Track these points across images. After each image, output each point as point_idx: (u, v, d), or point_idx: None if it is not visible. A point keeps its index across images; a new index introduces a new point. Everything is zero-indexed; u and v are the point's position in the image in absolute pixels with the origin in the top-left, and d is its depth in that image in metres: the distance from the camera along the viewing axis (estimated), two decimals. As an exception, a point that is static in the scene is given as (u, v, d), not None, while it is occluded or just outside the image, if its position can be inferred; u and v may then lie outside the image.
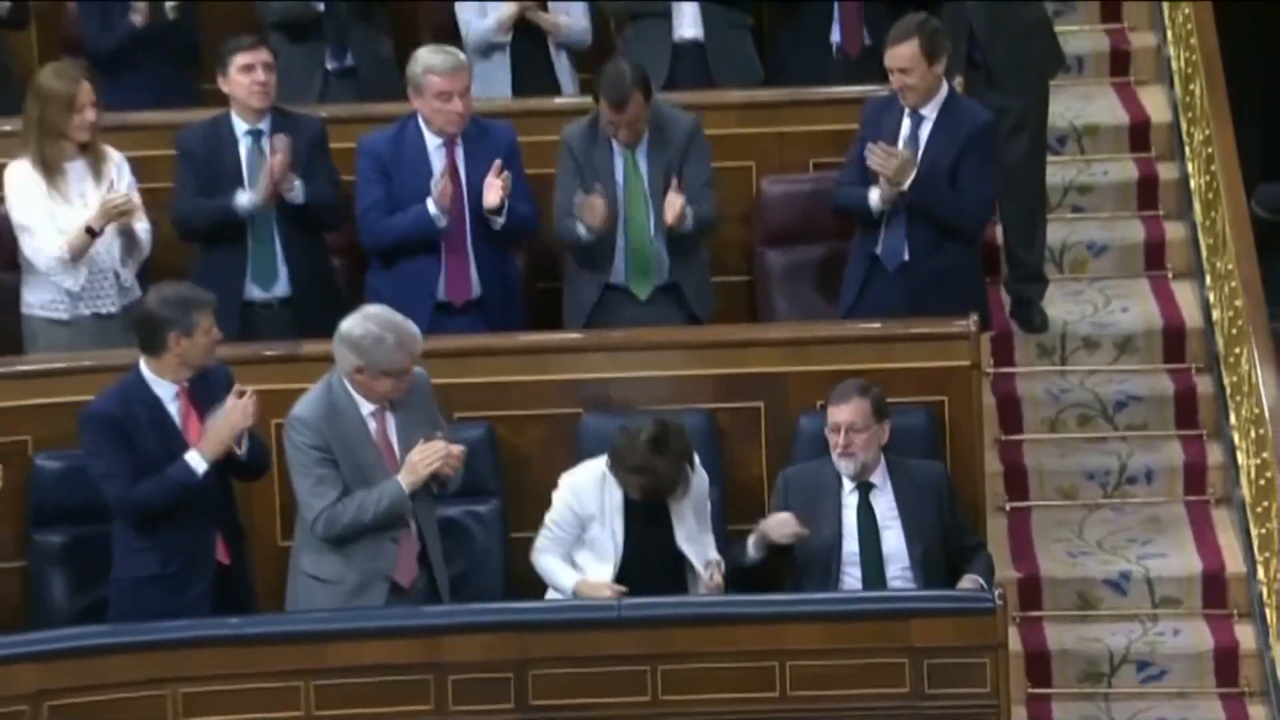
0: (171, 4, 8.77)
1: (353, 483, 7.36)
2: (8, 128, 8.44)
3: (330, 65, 8.99)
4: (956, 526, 7.67)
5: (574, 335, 8.27)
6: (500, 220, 8.17)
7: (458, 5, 8.98)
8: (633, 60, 8.17)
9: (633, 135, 8.14)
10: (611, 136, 8.18)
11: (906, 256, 8.18)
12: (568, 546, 7.54)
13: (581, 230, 8.15)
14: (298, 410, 7.40)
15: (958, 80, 8.61)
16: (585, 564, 7.54)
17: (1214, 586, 8.45)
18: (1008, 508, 8.72)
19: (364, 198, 8.24)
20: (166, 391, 7.40)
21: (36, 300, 8.18)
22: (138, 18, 8.75)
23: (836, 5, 9.05)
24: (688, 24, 9.05)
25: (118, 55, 8.72)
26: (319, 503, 7.36)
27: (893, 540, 7.59)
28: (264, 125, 8.26)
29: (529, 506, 7.92)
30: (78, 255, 8.05)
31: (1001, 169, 8.66)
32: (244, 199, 8.17)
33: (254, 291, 8.25)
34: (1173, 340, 9.17)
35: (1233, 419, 8.67)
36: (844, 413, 7.52)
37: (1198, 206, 9.31)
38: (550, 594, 7.58)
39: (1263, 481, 8.16)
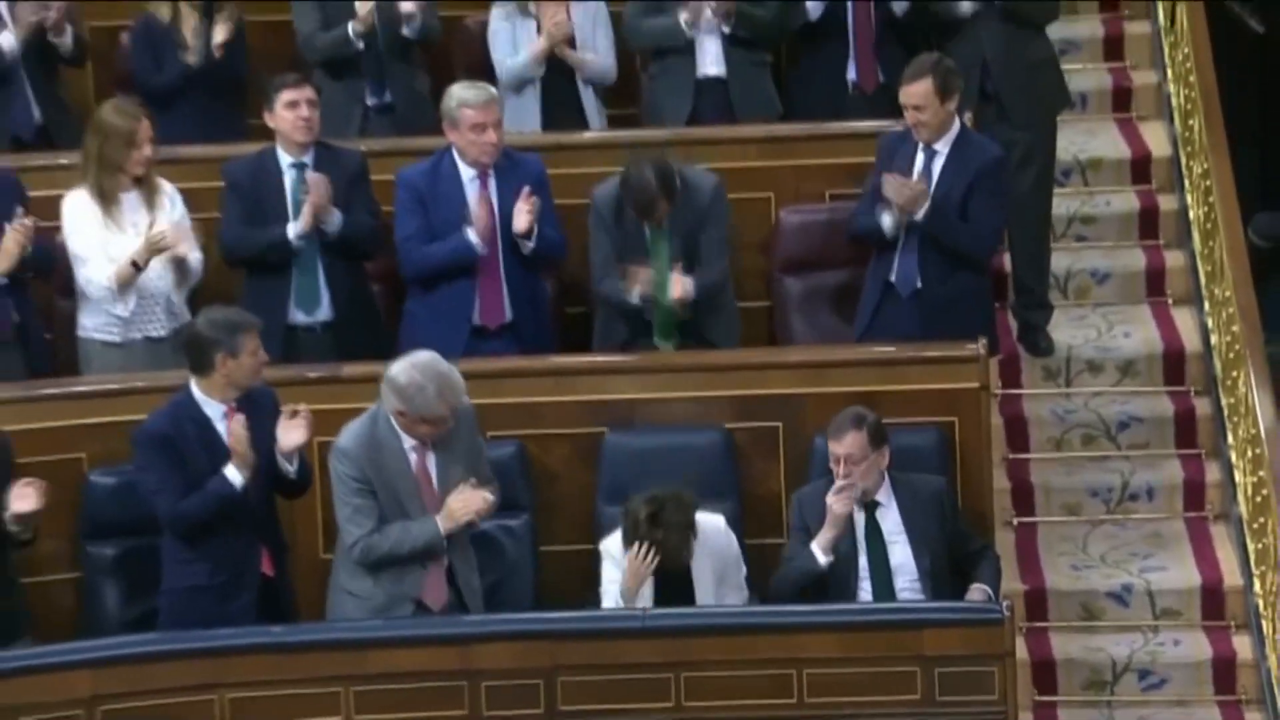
0: (218, 42, 8.80)
1: (390, 512, 7.41)
2: (64, 160, 8.49)
3: (370, 101, 9.00)
4: (960, 535, 7.68)
5: (601, 358, 8.28)
6: (530, 244, 8.20)
7: (491, 43, 8.99)
8: (655, 164, 8.11)
9: (658, 223, 8.18)
10: None
11: (919, 284, 8.19)
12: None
13: (634, 298, 8.18)
14: (341, 440, 7.45)
15: (967, 116, 8.63)
16: None
17: (1212, 599, 8.44)
18: (1015, 523, 8.72)
19: (403, 227, 8.27)
20: (215, 411, 7.44)
21: (91, 323, 8.22)
22: (190, 57, 8.79)
23: (852, 44, 9.05)
24: (710, 61, 9.06)
25: (169, 92, 8.74)
26: (356, 530, 7.42)
27: (900, 554, 7.60)
28: (307, 158, 8.30)
29: (558, 521, 7.96)
30: (124, 286, 8.09)
31: (1011, 200, 8.71)
32: (293, 230, 8.21)
33: (297, 316, 8.28)
34: (1173, 364, 9.17)
35: (1230, 439, 8.66)
36: (842, 445, 7.52)
37: (1196, 236, 9.31)
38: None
39: (1259, 499, 8.15)
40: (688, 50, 9.03)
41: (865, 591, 7.59)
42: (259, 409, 7.46)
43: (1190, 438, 8.96)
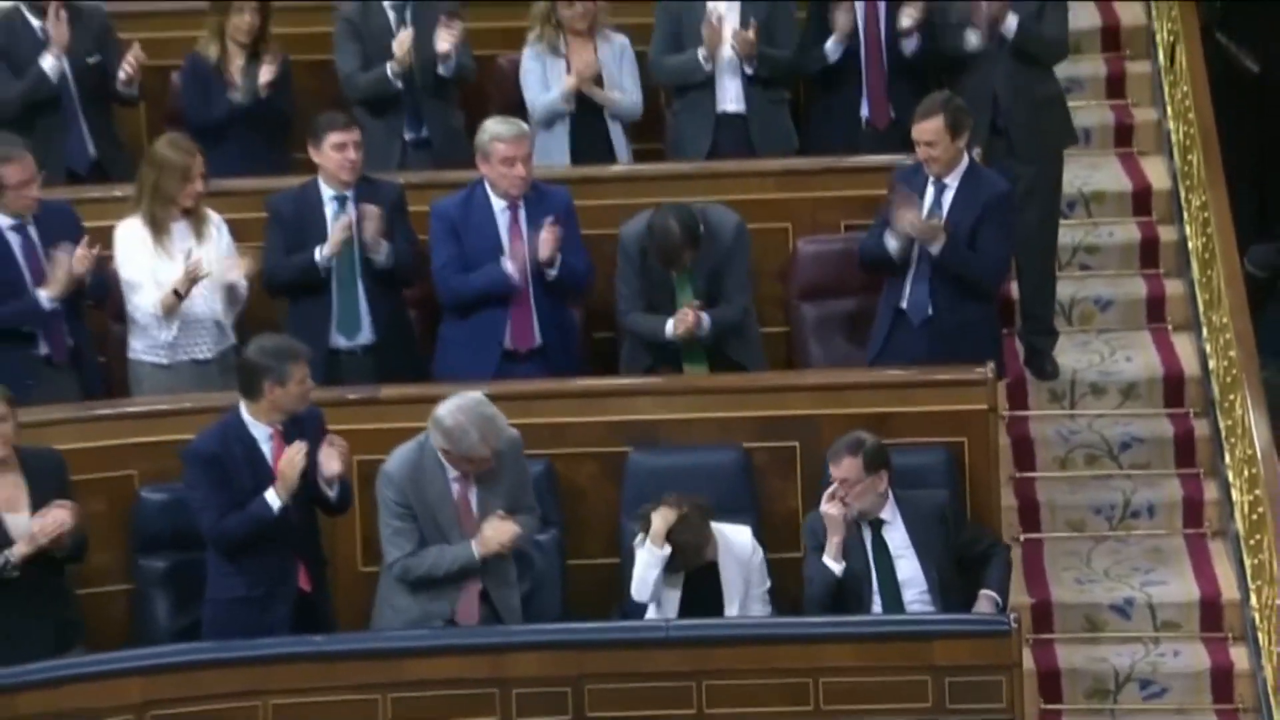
0: (264, 82, 8.84)
1: (430, 535, 7.45)
2: (118, 193, 8.52)
3: (408, 136, 9.02)
4: (965, 543, 7.69)
5: (626, 381, 8.31)
6: (552, 272, 8.23)
7: (523, 81, 9.03)
8: (679, 215, 8.13)
9: (683, 268, 8.21)
10: None
11: (930, 311, 8.20)
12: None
13: (669, 331, 8.20)
14: (388, 465, 7.50)
15: (977, 150, 8.66)
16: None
17: (1211, 612, 8.44)
18: (1021, 539, 8.71)
19: (438, 256, 8.30)
20: (262, 432, 7.47)
21: (140, 346, 8.25)
22: (238, 95, 8.82)
23: (865, 82, 9.07)
24: (730, 98, 9.08)
25: (217, 128, 8.77)
26: (395, 551, 7.47)
27: (908, 568, 7.61)
28: (349, 191, 8.32)
29: (585, 535, 7.97)
30: (168, 312, 8.12)
31: (1018, 231, 8.73)
32: (320, 254, 8.21)
33: (339, 340, 8.30)
34: (1172, 387, 9.17)
35: (1227, 459, 8.66)
36: (839, 469, 7.56)
37: (1195, 265, 9.31)
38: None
39: (1255, 516, 8.15)
40: (709, 87, 9.05)
41: (877, 605, 7.60)
42: (306, 429, 7.48)
43: (1189, 458, 8.96)
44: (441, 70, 8.98)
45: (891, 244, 8.15)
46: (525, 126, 8.38)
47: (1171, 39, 9.83)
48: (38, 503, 7.41)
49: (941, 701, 7.30)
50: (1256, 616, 8.13)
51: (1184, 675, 8.30)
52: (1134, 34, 10.35)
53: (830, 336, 8.57)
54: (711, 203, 8.45)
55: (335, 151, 8.23)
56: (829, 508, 7.54)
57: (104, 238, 8.23)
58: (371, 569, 7.78)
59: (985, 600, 7.64)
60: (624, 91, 9.04)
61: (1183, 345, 9.34)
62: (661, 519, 7.48)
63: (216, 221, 8.29)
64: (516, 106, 8.94)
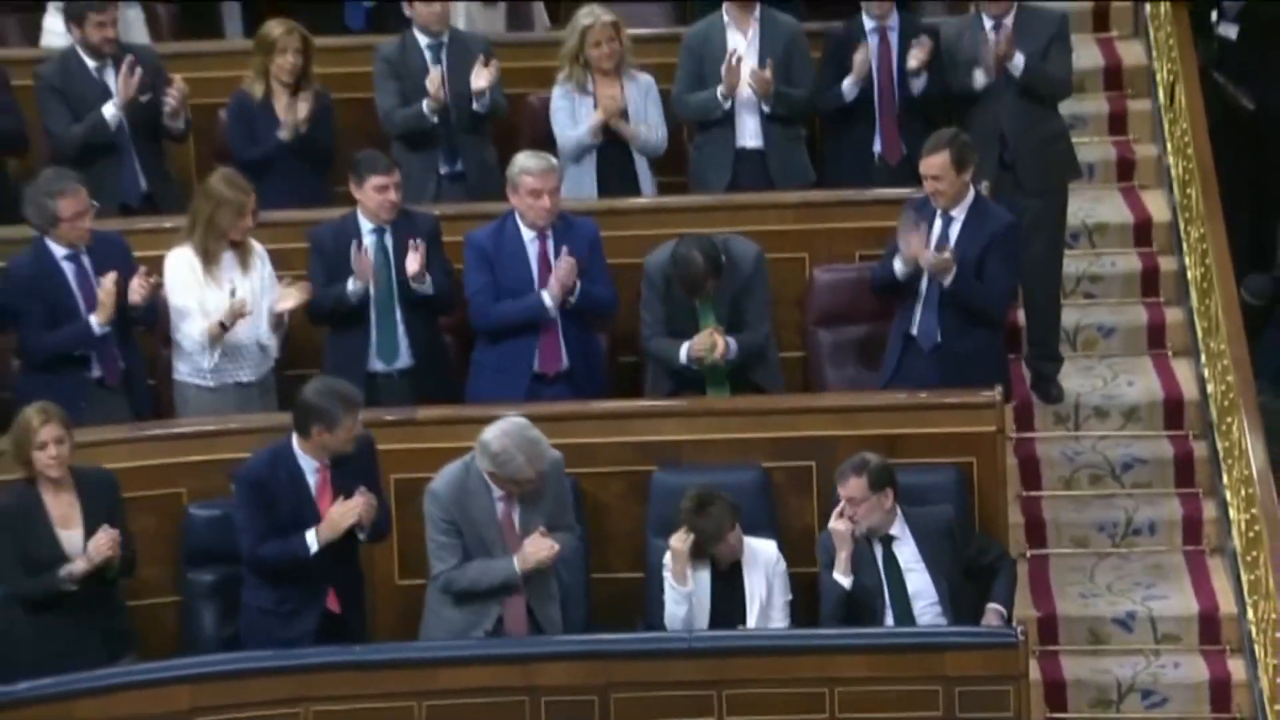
0: (301, 119, 8.85)
1: (474, 551, 7.48)
2: (168, 224, 8.54)
3: (443, 170, 9.02)
4: (973, 555, 7.70)
5: (650, 403, 8.32)
6: (571, 300, 8.24)
7: (553, 117, 9.04)
8: (702, 246, 8.14)
9: (705, 297, 8.22)
10: None
11: (939, 338, 8.22)
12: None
13: (682, 356, 8.22)
14: (435, 484, 7.52)
15: (985, 184, 8.68)
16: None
17: (1209, 625, 8.44)
18: (1028, 555, 8.71)
19: (472, 284, 8.31)
20: (309, 464, 7.47)
21: (185, 369, 8.26)
22: (284, 133, 8.84)
23: (878, 120, 9.07)
24: (749, 134, 9.09)
25: (262, 164, 8.76)
26: (440, 565, 7.50)
27: (917, 581, 7.62)
28: (387, 225, 8.35)
29: (610, 550, 7.98)
30: (214, 341, 8.15)
31: (1024, 261, 8.75)
32: (351, 286, 8.22)
33: (377, 365, 8.30)
34: (1172, 410, 9.16)
35: (1225, 479, 8.65)
36: (845, 489, 7.57)
37: (1194, 294, 9.31)
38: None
39: (1252, 534, 8.14)
40: (728, 124, 9.06)
41: (889, 618, 7.60)
42: (356, 457, 7.47)
43: (1188, 478, 8.96)
44: (477, 106, 8.99)
45: (899, 268, 8.18)
46: (553, 161, 8.40)
47: (1171, 78, 9.85)
48: (90, 520, 7.43)
49: (951, 710, 7.30)
50: (1253, 630, 8.12)
51: (1184, 686, 8.30)
52: (1135, 73, 10.37)
53: (845, 361, 8.58)
54: (732, 234, 8.47)
55: (376, 193, 8.26)
56: (837, 524, 7.56)
57: (155, 267, 8.24)
58: (408, 582, 7.80)
59: (992, 614, 7.64)
60: (649, 127, 9.06)
61: (1182, 370, 9.34)
62: (679, 562, 7.49)
63: (260, 252, 8.32)
64: (546, 142, 8.95)
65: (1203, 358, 9.11)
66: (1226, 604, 8.45)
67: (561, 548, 7.49)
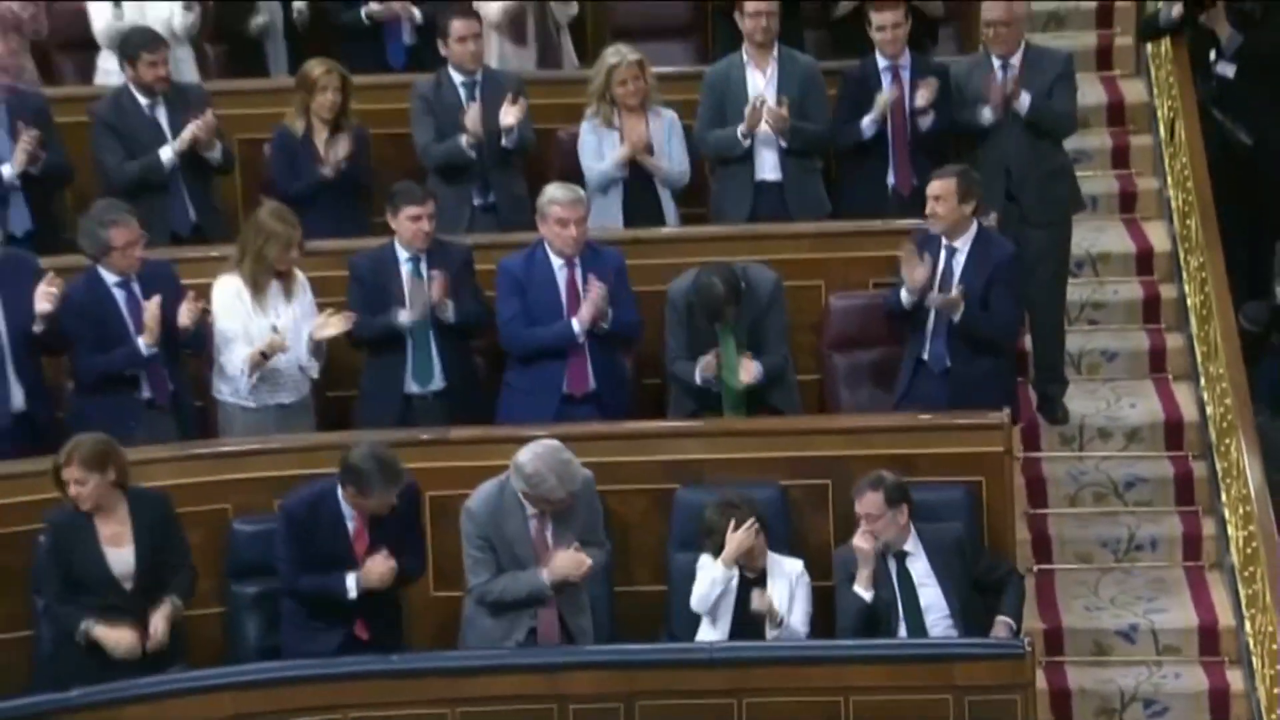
0: (340, 157, 8.83)
1: (508, 565, 7.49)
2: (215, 253, 8.57)
3: (476, 202, 9.03)
4: (983, 570, 7.68)
5: (673, 423, 8.31)
6: (604, 325, 8.24)
7: (580, 151, 9.04)
8: (722, 274, 8.13)
9: (726, 323, 8.21)
10: None
11: (949, 363, 8.21)
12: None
13: (698, 378, 8.21)
14: (471, 502, 7.53)
15: (992, 215, 8.67)
16: (703, 630, 7.64)
17: (1209, 637, 8.41)
18: (1035, 569, 8.69)
19: (505, 309, 8.32)
20: (349, 511, 7.48)
21: (227, 389, 8.27)
22: (326, 170, 8.85)
23: (891, 154, 9.06)
24: (768, 168, 9.08)
25: (304, 197, 8.77)
26: (474, 578, 7.52)
27: (929, 595, 7.61)
28: (422, 254, 8.34)
29: (635, 565, 7.97)
30: (254, 370, 8.16)
31: (1031, 289, 8.74)
32: (404, 316, 8.27)
33: (413, 387, 8.31)
34: (1173, 431, 9.14)
35: (1224, 498, 8.63)
36: (862, 505, 7.57)
37: (1194, 321, 9.29)
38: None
39: (1249, 550, 8.12)
40: (748, 158, 9.05)
41: (903, 630, 7.59)
42: (396, 506, 7.45)
43: (1188, 496, 8.94)
44: (505, 142, 9.01)
45: (904, 297, 8.18)
46: (581, 192, 8.41)
47: (1171, 115, 9.84)
48: (139, 539, 7.42)
49: (962, 718, 7.28)
50: (1251, 642, 8.09)
51: (1184, 695, 8.27)
52: (1137, 110, 10.39)
53: (859, 384, 8.57)
54: (751, 262, 8.46)
55: (410, 222, 8.28)
56: (861, 541, 7.55)
57: (203, 294, 8.26)
58: (443, 594, 7.80)
59: (1001, 626, 7.63)
60: (673, 160, 9.05)
61: (1182, 394, 9.32)
62: (735, 545, 7.50)
63: (303, 281, 8.33)
64: (575, 174, 8.95)
65: (1202, 381, 9.10)
66: (1225, 617, 8.43)
67: (594, 563, 7.48)
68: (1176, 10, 9.77)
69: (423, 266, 8.34)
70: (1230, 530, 8.48)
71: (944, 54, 9.67)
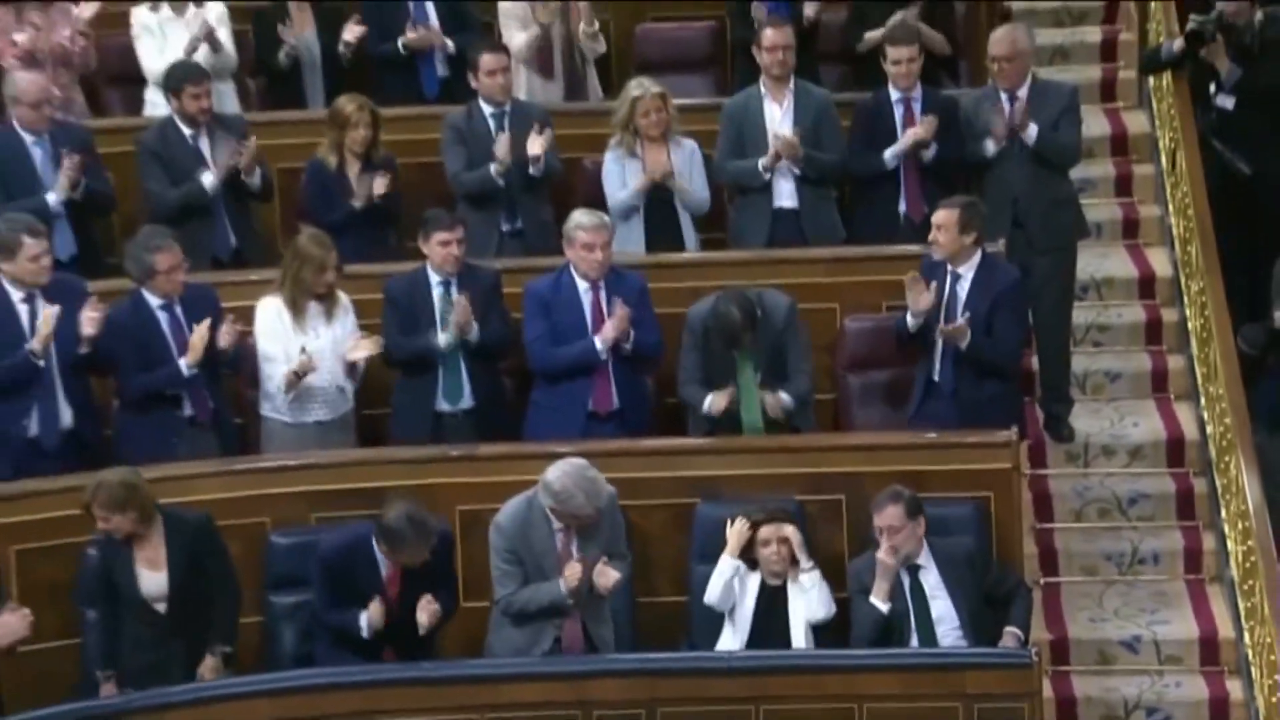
0: (377, 194, 8.84)
1: (534, 578, 7.51)
2: (254, 277, 8.59)
3: (504, 227, 9.05)
4: (992, 583, 7.66)
5: (693, 440, 8.29)
6: (627, 346, 8.24)
7: (604, 180, 9.02)
8: (739, 301, 8.08)
9: (743, 349, 8.18)
10: None
11: (956, 384, 8.20)
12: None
13: (709, 408, 8.18)
14: (500, 517, 7.54)
15: (1000, 242, 8.65)
16: (725, 635, 7.63)
17: (1209, 648, 8.38)
18: (1041, 582, 8.66)
19: (531, 330, 8.33)
20: (383, 558, 7.48)
21: (268, 406, 8.29)
22: (358, 202, 8.85)
23: (902, 183, 9.06)
24: (785, 196, 9.07)
25: (337, 227, 8.75)
26: (501, 590, 7.53)
27: (941, 607, 7.59)
28: (453, 278, 8.36)
29: (656, 575, 7.97)
30: (289, 389, 8.17)
31: (1037, 312, 8.71)
32: (441, 339, 8.27)
33: (443, 405, 8.32)
34: (1174, 449, 9.12)
35: (1223, 513, 8.60)
36: (884, 518, 7.55)
37: (1194, 343, 9.28)
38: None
39: (1248, 564, 8.09)
40: (766, 186, 9.06)
41: (915, 640, 7.57)
42: (435, 551, 7.46)
43: (1189, 512, 8.91)
44: (532, 171, 9.02)
45: (909, 322, 8.17)
46: (605, 218, 8.42)
47: (1173, 145, 9.83)
48: (173, 563, 7.42)
49: (971, 725, 7.27)
50: (1250, 652, 8.06)
51: (1186, 704, 8.24)
52: (1139, 141, 10.38)
53: (872, 403, 8.55)
54: (768, 285, 8.44)
55: (441, 247, 8.30)
56: (885, 555, 7.53)
57: (241, 315, 8.31)
58: (472, 605, 7.79)
59: (1009, 636, 7.61)
60: (693, 187, 9.05)
61: (1183, 413, 9.30)
62: (736, 536, 7.52)
63: (345, 304, 8.35)
64: (600, 201, 8.96)
65: (1202, 401, 9.07)
66: (1225, 628, 8.40)
67: (621, 576, 7.48)
68: (1178, 45, 9.78)
69: (453, 290, 8.35)
70: (1230, 545, 8.45)
71: (952, 86, 9.66)
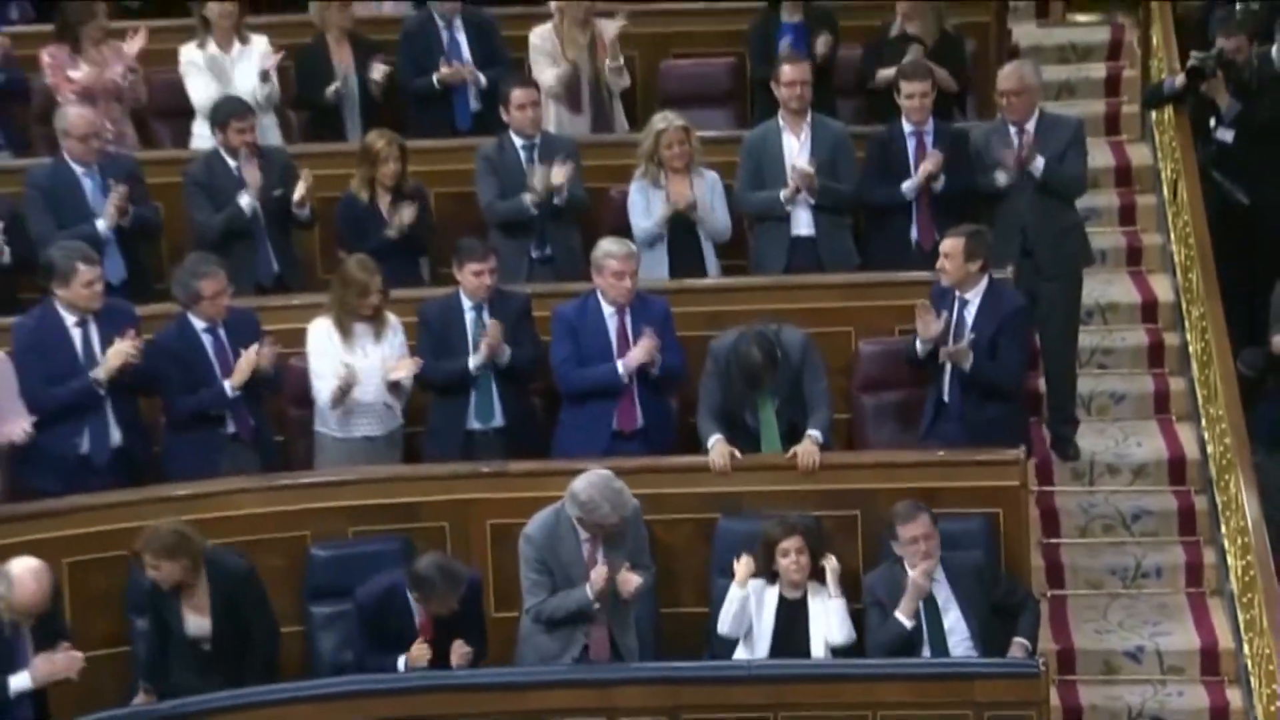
0: (404, 224, 8.83)
1: (563, 587, 7.53)
2: (296, 301, 8.63)
3: (534, 254, 9.05)
4: (1001, 595, 7.66)
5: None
6: (655, 371, 8.26)
7: (630, 209, 9.02)
8: (759, 341, 7.97)
9: (764, 389, 8.15)
10: None
11: (966, 405, 8.20)
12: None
13: (709, 443, 8.13)
14: (529, 528, 7.57)
15: (1009, 269, 8.65)
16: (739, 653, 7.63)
17: (1209, 659, 8.37)
18: (1048, 595, 8.65)
19: (558, 352, 8.34)
20: (416, 607, 7.49)
21: (319, 420, 8.32)
22: (391, 232, 8.86)
23: (914, 212, 9.07)
24: (803, 224, 9.07)
25: (371, 256, 8.76)
26: (530, 599, 7.55)
27: (952, 619, 7.58)
28: (484, 303, 8.38)
29: (679, 588, 7.98)
30: (335, 404, 8.20)
31: (1044, 336, 8.71)
32: (473, 362, 8.27)
33: (475, 424, 8.33)
34: (1176, 468, 9.11)
35: (1223, 529, 8.59)
36: (915, 528, 7.55)
37: (1195, 366, 9.27)
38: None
39: (1247, 578, 8.08)
40: (784, 216, 9.06)
41: (927, 650, 7.58)
42: (463, 601, 7.47)
43: (1190, 528, 8.90)
44: (557, 200, 9.03)
45: (919, 347, 8.18)
46: (633, 246, 8.44)
47: (1174, 176, 9.83)
48: (215, 608, 7.44)
49: (981, 732, 7.26)
50: (1249, 663, 8.05)
51: (1187, 713, 8.23)
52: (1142, 172, 10.39)
53: (885, 422, 8.54)
54: (783, 325, 8.31)
55: (474, 277, 8.32)
56: (919, 578, 7.51)
57: (283, 338, 8.34)
58: (502, 614, 7.81)
59: (1018, 647, 7.61)
60: (715, 216, 9.04)
61: (1185, 433, 9.29)
62: (744, 568, 7.49)
63: (394, 325, 8.37)
64: (626, 230, 8.97)
65: (1203, 422, 9.06)
66: (1225, 640, 8.38)
67: (644, 583, 7.48)
68: (1179, 81, 9.79)
69: (485, 314, 8.37)
70: (1229, 559, 8.44)
71: (962, 119, 9.68)
